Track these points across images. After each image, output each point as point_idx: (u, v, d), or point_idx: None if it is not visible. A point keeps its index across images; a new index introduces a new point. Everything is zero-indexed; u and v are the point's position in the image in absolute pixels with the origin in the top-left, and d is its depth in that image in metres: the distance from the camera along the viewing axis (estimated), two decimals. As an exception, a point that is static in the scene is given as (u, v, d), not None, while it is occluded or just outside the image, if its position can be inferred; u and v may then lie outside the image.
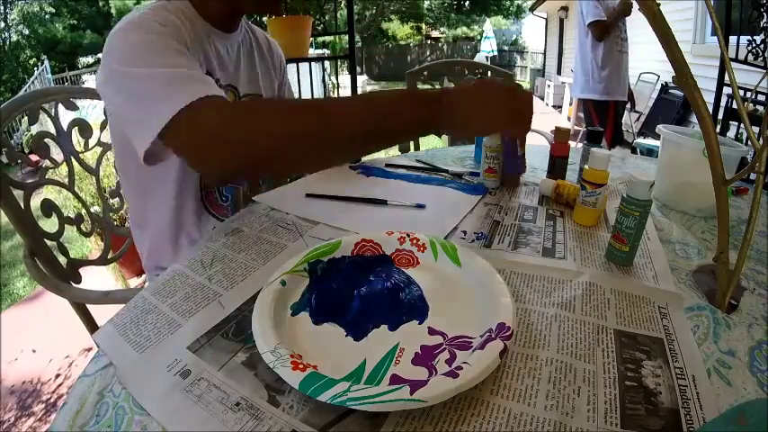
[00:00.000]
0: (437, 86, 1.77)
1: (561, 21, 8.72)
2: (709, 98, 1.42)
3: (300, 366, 0.36)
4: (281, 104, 0.58)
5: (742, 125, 0.67)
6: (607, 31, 2.36)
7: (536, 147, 1.10)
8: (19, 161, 0.91)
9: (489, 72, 2.07)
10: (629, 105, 2.92)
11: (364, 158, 1.00)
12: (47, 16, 10.79)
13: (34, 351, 1.68)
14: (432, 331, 0.43)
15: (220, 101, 0.53)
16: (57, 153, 0.91)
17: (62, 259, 0.87)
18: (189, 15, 0.69)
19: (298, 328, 0.44)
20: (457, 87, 0.59)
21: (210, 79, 0.58)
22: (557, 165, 0.83)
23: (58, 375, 1.56)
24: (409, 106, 0.55)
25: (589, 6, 2.34)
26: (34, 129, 0.90)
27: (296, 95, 1.06)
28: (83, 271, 0.89)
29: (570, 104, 5.49)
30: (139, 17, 0.61)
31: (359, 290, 0.50)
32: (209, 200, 0.80)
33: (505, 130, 0.65)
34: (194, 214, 0.79)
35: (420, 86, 1.79)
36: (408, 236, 0.56)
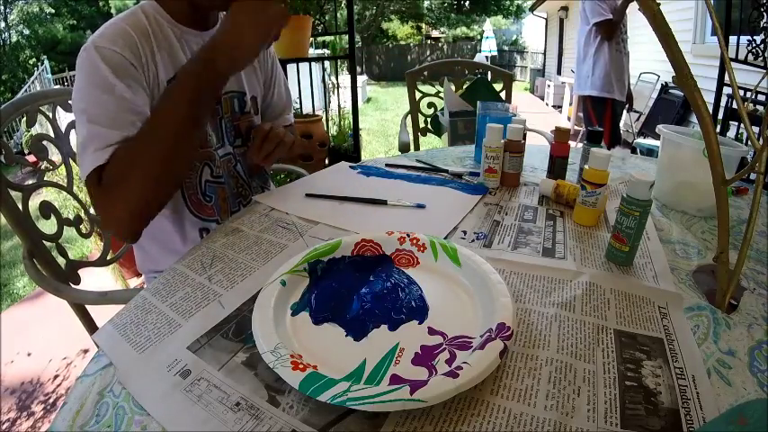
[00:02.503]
0: (437, 86, 1.77)
1: (561, 21, 8.72)
2: (709, 98, 1.42)
3: (300, 366, 0.36)
4: (130, 153, 0.62)
5: (742, 125, 0.67)
6: (615, 29, 2.36)
7: (536, 147, 1.10)
8: (17, 163, 0.91)
9: (489, 72, 2.08)
10: (627, 106, 2.92)
11: (364, 158, 1.00)
12: (47, 16, 10.79)
13: (29, 354, 1.68)
14: (432, 331, 0.43)
15: (100, 186, 0.61)
16: (55, 155, 0.91)
17: (61, 260, 0.87)
18: (159, 19, 0.71)
19: (298, 327, 0.44)
20: (217, 32, 0.65)
21: (125, 130, 0.63)
22: (557, 165, 0.83)
23: (56, 376, 1.56)
24: (193, 77, 0.62)
25: (593, 6, 2.33)
26: (33, 131, 0.90)
27: (292, 93, 1.06)
28: (82, 272, 0.89)
29: (570, 104, 5.49)
30: (98, 39, 0.64)
31: (359, 290, 0.50)
32: (194, 202, 0.79)
33: (268, 42, 0.67)
34: (180, 218, 0.79)
35: (420, 86, 1.79)
36: (408, 236, 0.56)
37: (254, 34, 0.64)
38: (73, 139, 0.92)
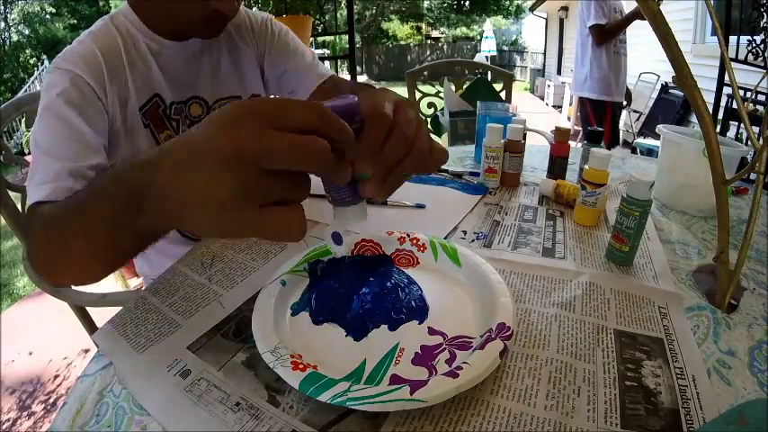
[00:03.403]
0: (437, 86, 1.77)
1: (561, 21, 8.72)
2: (709, 98, 1.42)
3: (300, 366, 0.36)
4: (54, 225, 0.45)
5: (742, 125, 0.67)
6: (608, 37, 2.35)
7: (536, 147, 1.10)
8: (17, 163, 0.91)
9: (489, 72, 2.08)
10: (626, 103, 2.92)
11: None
12: (47, 16, 10.79)
13: (30, 353, 1.68)
14: (432, 331, 0.43)
15: (32, 226, 0.53)
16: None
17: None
18: (133, 33, 0.68)
19: (298, 327, 0.44)
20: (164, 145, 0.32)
21: (71, 166, 0.56)
22: (557, 165, 0.83)
23: (57, 376, 1.56)
24: (108, 204, 0.35)
25: (590, 7, 2.33)
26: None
27: (317, 61, 0.89)
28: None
29: (570, 104, 5.49)
30: (61, 59, 0.63)
31: (359, 290, 0.50)
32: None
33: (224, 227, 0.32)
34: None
35: (420, 86, 1.79)
36: (408, 236, 0.56)
37: (216, 225, 0.30)
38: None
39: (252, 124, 0.27)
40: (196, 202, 0.28)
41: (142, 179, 0.31)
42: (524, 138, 0.82)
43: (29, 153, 0.94)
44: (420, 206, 0.73)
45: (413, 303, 0.47)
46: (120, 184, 0.34)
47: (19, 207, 0.80)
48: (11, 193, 0.80)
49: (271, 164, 0.27)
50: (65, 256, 0.43)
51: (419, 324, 0.44)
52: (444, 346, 0.41)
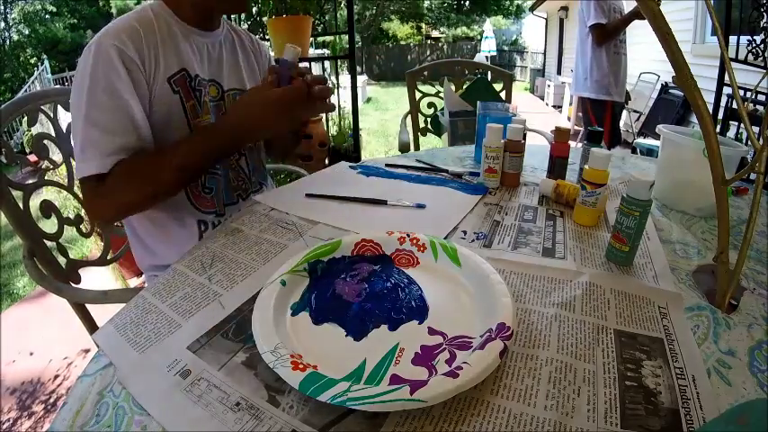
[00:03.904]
0: (437, 86, 1.77)
1: (561, 21, 8.72)
2: (709, 98, 1.42)
3: (300, 366, 0.36)
4: (138, 174, 0.67)
5: (742, 125, 0.67)
6: (609, 37, 2.35)
7: (536, 147, 1.10)
8: (18, 162, 0.91)
9: (489, 72, 2.08)
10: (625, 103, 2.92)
11: (364, 158, 1.00)
12: (47, 16, 10.79)
13: (31, 354, 1.68)
14: (432, 331, 0.43)
15: (97, 185, 0.66)
16: (56, 154, 0.91)
17: (61, 260, 0.87)
18: (166, 18, 0.74)
19: (298, 327, 0.44)
20: (231, 108, 0.73)
21: (120, 140, 0.66)
22: (557, 165, 0.83)
23: (57, 376, 1.56)
24: (215, 139, 0.69)
25: (590, 7, 2.33)
26: (34, 130, 0.90)
27: None
28: (82, 271, 0.89)
29: (570, 104, 5.49)
30: (103, 36, 0.66)
31: (359, 290, 0.50)
32: (194, 194, 0.80)
33: (277, 129, 0.72)
34: (179, 210, 0.80)
35: (420, 86, 1.79)
36: (408, 236, 0.56)
37: (274, 124, 0.69)
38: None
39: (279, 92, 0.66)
40: (261, 125, 0.69)
41: (227, 124, 0.70)
42: (524, 138, 0.82)
43: (29, 152, 0.94)
44: (420, 206, 0.73)
45: (413, 303, 0.47)
46: (218, 131, 0.70)
47: (21, 205, 0.80)
48: (13, 192, 0.79)
49: (289, 99, 0.67)
50: (133, 196, 0.67)
51: (419, 324, 0.44)
52: (444, 346, 0.41)
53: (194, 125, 0.76)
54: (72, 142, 0.72)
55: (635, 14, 2.23)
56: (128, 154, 0.67)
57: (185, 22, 0.76)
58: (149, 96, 0.71)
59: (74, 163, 0.91)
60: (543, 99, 7.98)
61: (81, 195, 0.70)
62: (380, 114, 7.15)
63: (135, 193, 0.67)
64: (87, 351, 1.66)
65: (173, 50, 0.73)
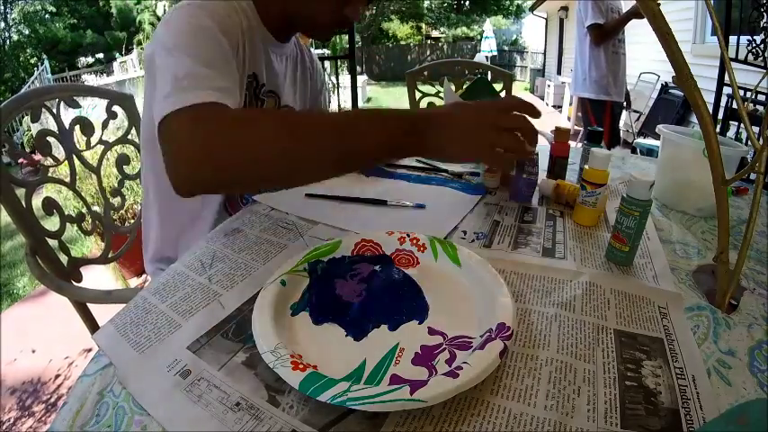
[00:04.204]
0: (437, 86, 1.77)
1: (561, 21, 8.71)
2: (709, 98, 1.42)
3: (300, 366, 0.36)
4: (272, 121, 0.51)
5: (742, 125, 0.67)
6: (607, 37, 2.35)
7: (536, 147, 1.10)
8: (20, 160, 0.91)
9: (489, 72, 2.08)
10: (625, 104, 2.91)
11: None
12: (47, 16, 10.79)
13: (33, 351, 1.68)
14: (431, 331, 0.43)
15: (218, 111, 0.51)
16: (58, 151, 0.91)
17: (63, 258, 0.87)
18: (251, 17, 0.71)
19: (298, 328, 0.44)
20: (435, 111, 0.54)
21: (231, 87, 0.56)
22: (557, 165, 0.83)
23: (58, 375, 1.56)
24: (387, 133, 0.51)
25: (588, 7, 2.33)
26: (36, 127, 0.89)
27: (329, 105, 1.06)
28: (83, 270, 0.89)
29: (570, 104, 5.49)
30: (198, 6, 0.61)
31: (359, 290, 0.50)
32: (231, 201, 0.80)
33: (480, 158, 0.66)
34: (214, 212, 0.80)
35: (420, 86, 1.79)
36: (408, 236, 0.56)
37: (472, 147, 0.52)
38: (76, 136, 0.92)
39: (497, 111, 0.54)
40: (454, 141, 0.52)
41: (418, 121, 0.52)
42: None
43: (32, 151, 0.94)
44: (420, 206, 0.73)
45: (413, 303, 0.47)
46: (394, 119, 0.52)
47: (23, 203, 0.80)
48: (15, 190, 0.79)
49: (505, 124, 0.53)
50: (295, 150, 0.48)
51: (419, 324, 0.44)
52: (444, 346, 0.41)
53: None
54: (157, 88, 0.54)
55: (633, 14, 2.23)
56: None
57: (266, 27, 0.74)
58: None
59: (78, 164, 0.91)
60: (543, 99, 7.97)
61: (165, 141, 0.50)
62: (380, 114, 7.13)
63: (273, 139, 0.48)
64: (89, 350, 1.66)
65: (251, 52, 0.71)
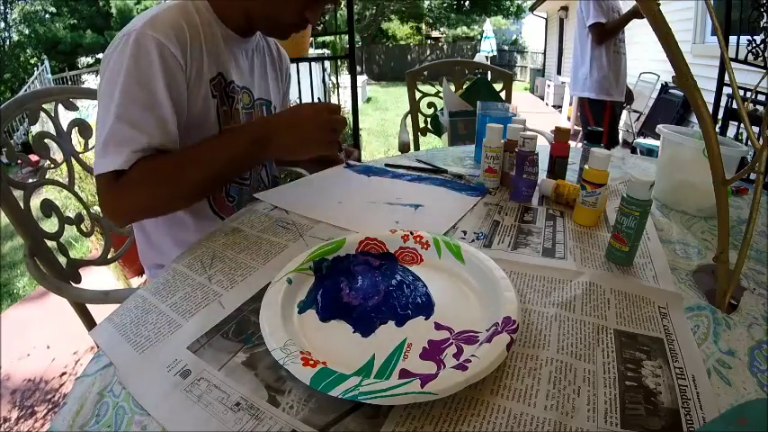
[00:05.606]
0: (437, 86, 1.77)
1: (561, 21, 8.72)
2: (709, 98, 1.42)
3: (311, 362, 0.36)
4: (158, 174, 0.64)
5: (742, 125, 0.67)
6: (608, 36, 2.35)
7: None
8: (19, 161, 0.91)
9: (489, 72, 2.08)
10: (626, 104, 2.91)
11: (364, 158, 1.00)
12: (47, 16, 10.79)
13: (29, 355, 1.68)
14: (438, 326, 0.44)
15: (126, 178, 0.62)
16: (57, 153, 0.91)
17: (62, 259, 0.87)
18: (208, 17, 0.72)
19: (305, 325, 0.44)
20: (275, 117, 0.75)
21: (157, 134, 0.64)
22: (557, 165, 0.83)
23: (63, 373, 1.56)
24: (240, 146, 0.67)
25: (589, 6, 2.32)
26: (34, 129, 0.89)
27: (292, 93, 1.12)
28: (84, 271, 0.89)
29: (570, 104, 5.49)
30: (146, 27, 0.62)
31: (364, 287, 0.50)
32: (217, 201, 0.80)
33: (319, 152, 0.72)
34: (200, 214, 0.79)
35: (420, 86, 1.80)
36: (412, 234, 0.57)
37: (317, 144, 0.70)
38: (75, 138, 0.92)
39: (329, 113, 0.70)
40: (304, 142, 0.69)
41: (264, 130, 0.68)
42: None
43: (30, 152, 0.94)
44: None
45: (419, 299, 0.48)
46: (246, 133, 0.69)
47: (21, 205, 0.80)
48: (14, 192, 0.79)
49: (337, 127, 0.71)
50: (169, 193, 0.65)
51: (426, 320, 0.45)
52: (451, 340, 0.42)
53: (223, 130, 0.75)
54: (94, 135, 0.66)
55: (634, 13, 2.23)
56: (150, 153, 0.64)
57: (225, 25, 0.74)
58: (186, 97, 0.69)
59: (77, 166, 0.92)
60: (543, 99, 7.98)
61: (96, 193, 0.66)
62: (380, 114, 7.15)
63: (152, 194, 0.64)
64: (92, 348, 1.66)
65: (213, 53, 0.72)
